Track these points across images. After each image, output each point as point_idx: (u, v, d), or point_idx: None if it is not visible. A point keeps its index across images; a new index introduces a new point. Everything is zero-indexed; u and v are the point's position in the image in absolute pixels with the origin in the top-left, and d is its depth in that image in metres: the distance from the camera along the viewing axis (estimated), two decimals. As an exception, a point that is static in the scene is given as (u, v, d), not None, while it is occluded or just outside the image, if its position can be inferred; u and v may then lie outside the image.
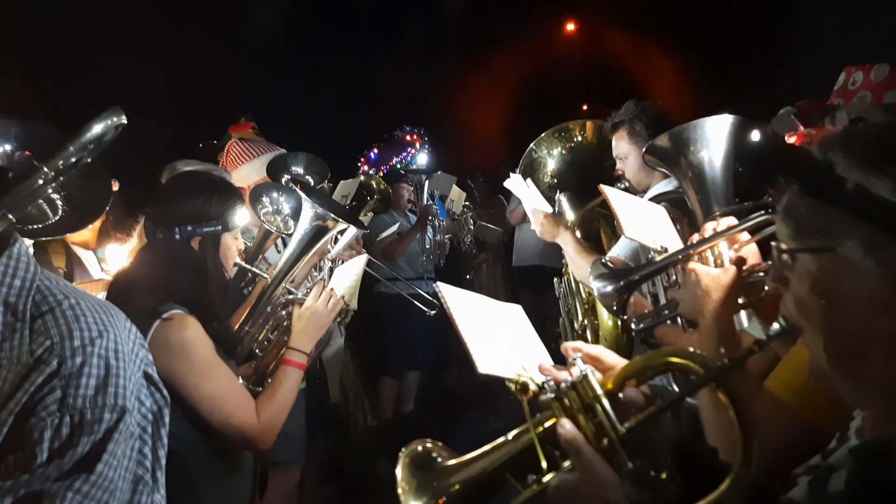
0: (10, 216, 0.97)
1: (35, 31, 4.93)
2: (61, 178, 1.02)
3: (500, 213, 7.03)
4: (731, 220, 1.50)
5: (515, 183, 2.60)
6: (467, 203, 6.23)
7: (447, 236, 5.69)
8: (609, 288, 1.59)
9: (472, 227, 6.35)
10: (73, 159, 1.01)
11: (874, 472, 0.75)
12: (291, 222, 2.91)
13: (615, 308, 1.60)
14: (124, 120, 1.06)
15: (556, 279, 3.01)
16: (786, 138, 1.85)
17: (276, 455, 2.94)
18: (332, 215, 2.28)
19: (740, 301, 1.43)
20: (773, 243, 0.91)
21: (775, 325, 0.92)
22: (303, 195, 2.33)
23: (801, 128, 1.95)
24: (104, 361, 1.03)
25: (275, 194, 2.96)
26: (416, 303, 3.41)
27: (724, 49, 9.64)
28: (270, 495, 3.16)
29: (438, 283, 1.34)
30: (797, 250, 0.86)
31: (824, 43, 6.30)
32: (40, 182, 0.99)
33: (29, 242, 2.06)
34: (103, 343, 1.04)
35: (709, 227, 1.50)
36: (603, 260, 1.63)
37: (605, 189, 1.86)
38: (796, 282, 0.87)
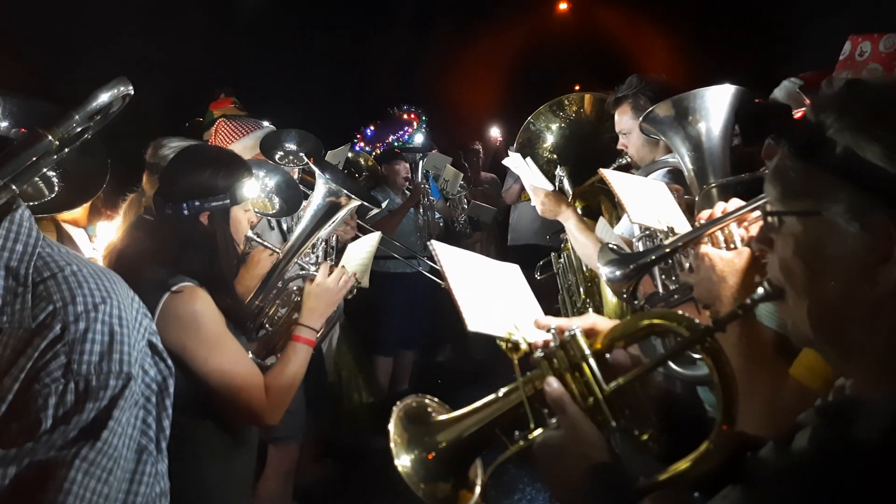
0: (14, 186, 0.94)
1: (17, 3, 4.80)
2: (66, 149, 0.98)
3: (494, 191, 7.01)
4: (738, 202, 1.47)
5: (514, 161, 2.58)
6: (462, 183, 6.20)
7: (438, 217, 5.67)
8: (618, 273, 1.56)
9: (466, 207, 6.33)
10: (79, 129, 0.98)
11: (835, 431, 0.76)
12: (276, 199, 2.89)
13: (625, 295, 1.58)
14: (131, 90, 1.02)
15: (553, 255, 3.01)
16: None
17: (277, 431, 2.95)
18: (346, 192, 2.26)
19: (756, 279, 1.41)
20: (759, 204, 0.91)
21: (759, 290, 0.92)
22: (317, 170, 2.30)
23: (808, 102, 1.91)
24: (108, 328, 1.02)
25: (257, 172, 2.93)
26: (435, 279, 3.49)
27: (719, 26, 9.59)
28: (270, 471, 3.18)
29: (433, 241, 1.35)
30: (784, 213, 0.85)
31: (821, 15, 6.26)
32: (44, 151, 0.96)
33: None
34: (107, 309, 1.03)
35: (718, 208, 1.47)
36: (610, 245, 1.61)
37: (606, 173, 1.83)
38: (781, 245, 0.86)
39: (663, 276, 1.65)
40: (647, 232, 1.69)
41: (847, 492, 0.68)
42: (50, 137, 0.95)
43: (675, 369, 1.58)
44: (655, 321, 0.97)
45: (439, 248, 1.33)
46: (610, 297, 2.54)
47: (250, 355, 1.99)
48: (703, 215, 1.51)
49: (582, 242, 2.43)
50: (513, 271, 1.42)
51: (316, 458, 4.12)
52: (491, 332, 1.21)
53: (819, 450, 0.75)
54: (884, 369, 0.77)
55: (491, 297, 1.32)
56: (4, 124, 1.10)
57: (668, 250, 1.55)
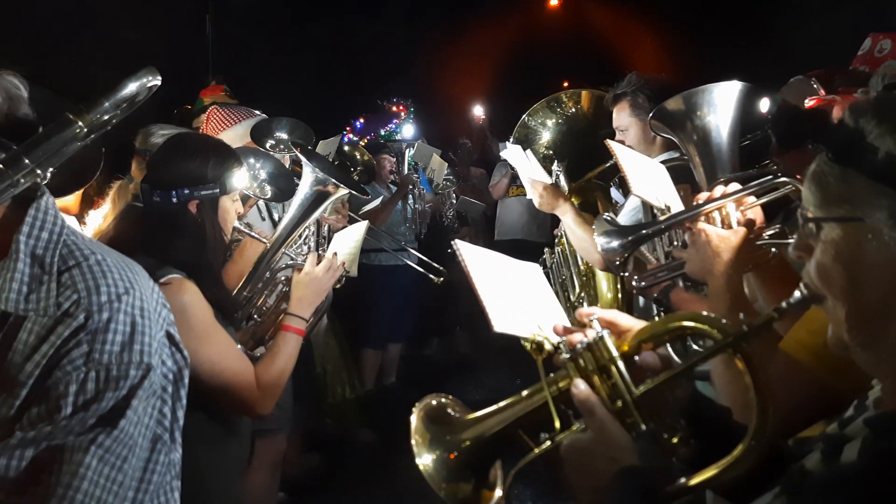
0: (38, 171, 0.94)
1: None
2: (92, 136, 0.98)
3: (483, 186, 6.99)
4: (737, 186, 1.50)
5: (513, 153, 2.57)
6: (451, 177, 6.18)
7: (428, 205, 5.66)
8: (615, 243, 1.58)
9: (454, 202, 6.31)
10: (107, 116, 0.98)
11: (888, 444, 0.75)
12: (268, 187, 2.87)
13: (617, 264, 1.59)
14: (158, 81, 1.02)
15: (546, 249, 3.01)
16: (804, 102, 1.83)
17: (264, 423, 2.91)
18: (334, 180, 2.24)
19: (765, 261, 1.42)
20: (798, 211, 0.90)
21: (797, 293, 0.91)
22: (304, 159, 2.27)
23: (822, 92, 1.93)
24: (130, 318, 1.03)
25: (251, 160, 2.91)
26: (424, 272, 3.46)
27: (709, 23, 9.63)
28: (257, 463, 3.15)
29: (456, 241, 1.32)
30: (824, 219, 0.85)
31: (814, 15, 6.31)
32: (72, 136, 0.95)
33: None
34: (129, 300, 1.04)
35: (717, 189, 1.49)
36: (606, 217, 1.62)
37: (612, 144, 1.84)
38: (820, 250, 0.86)
39: (665, 260, 1.66)
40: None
41: None
42: (80, 123, 0.95)
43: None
44: (686, 323, 0.95)
45: (463, 248, 1.31)
46: (605, 292, 2.56)
47: (239, 346, 1.97)
48: (702, 196, 1.53)
49: (579, 236, 2.43)
50: (534, 271, 1.42)
51: (302, 451, 4.11)
52: (516, 332, 1.19)
53: (870, 463, 0.75)
54: None
55: (514, 297, 1.31)
56: (28, 111, 1.07)
57: (665, 225, 1.56)
